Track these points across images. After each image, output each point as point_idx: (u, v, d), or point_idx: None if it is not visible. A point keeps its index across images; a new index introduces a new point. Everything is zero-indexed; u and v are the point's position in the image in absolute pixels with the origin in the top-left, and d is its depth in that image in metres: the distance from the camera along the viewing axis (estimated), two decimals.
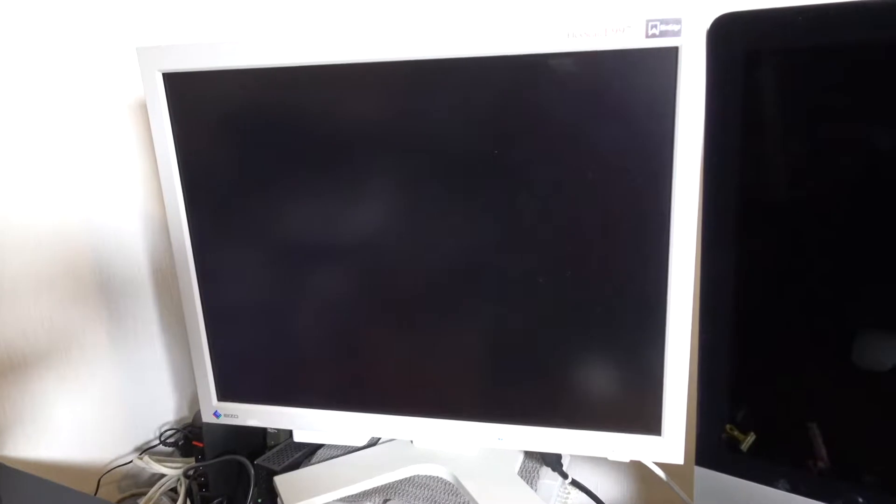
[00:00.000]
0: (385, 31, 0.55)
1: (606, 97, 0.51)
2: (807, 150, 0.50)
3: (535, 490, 0.68)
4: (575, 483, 0.71)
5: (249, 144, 0.64)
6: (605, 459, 0.85)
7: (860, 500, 0.55)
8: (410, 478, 0.72)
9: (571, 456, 0.80)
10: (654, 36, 0.48)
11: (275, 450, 0.82)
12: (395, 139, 0.60)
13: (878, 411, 0.54)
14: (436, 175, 0.60)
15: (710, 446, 0.62)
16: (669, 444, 0.59)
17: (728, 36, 0.48)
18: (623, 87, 0.50)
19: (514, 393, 0.64)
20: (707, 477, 0.62)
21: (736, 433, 0.61)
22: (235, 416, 0.77)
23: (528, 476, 0.71)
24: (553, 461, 0.70)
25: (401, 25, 0.80)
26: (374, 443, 0.80)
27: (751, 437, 0.61)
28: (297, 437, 0.79)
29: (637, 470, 0.85)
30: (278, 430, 0.85)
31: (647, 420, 0.59)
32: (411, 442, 0.77)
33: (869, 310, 0.54)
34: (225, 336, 0.72)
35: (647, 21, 0.48)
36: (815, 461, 0.57)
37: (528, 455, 0.75)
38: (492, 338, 0.63)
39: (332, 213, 0.65)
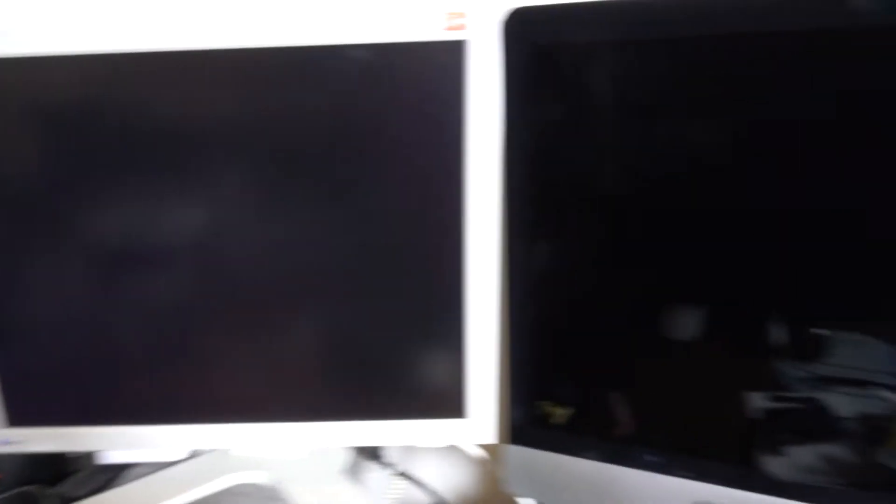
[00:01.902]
0: (164, 18, 0.52)
1: (400, 90, 0.52)
2: (596, 141, 0.53)
3: (363, 486, 0.68)
4: (402, 473, 0.72)
5: (49, 139, 0.58)
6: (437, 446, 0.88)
7: (656, 460, 0.61)
8: (230, 488, 0.69)
9: (405, 447, 0.81)
10: (443, 29, 0.49)
11: (79, 475, 0.74)
12: (192, 132, 0.56)
13: (679, 378, 0.61)
14: (239, 171, 0.58)
15: (522, 425, 0.65)
16: (477, 426, 0.62)
17: (519, 30, 0.50)
18: (415, 80, 0.51)
19: (325, 390, 0.63)
20: (519, 454, 0.66)
21: (550, 409, 0.65)
22: (26, 443, 0.69)
23: (354, 473, 0.70)
24: (376, 455, 0.70)
25: (176, 12, 0.76)
26: (194, 455, 0.76)
27: (564, 412, 0.65)
28: (103, 459, 0.72)
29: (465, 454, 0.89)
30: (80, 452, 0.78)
31: (453, 405, 0.61)
32: (229, 451, 0.74)
33: (671, 284, 0.58)
34: (15, 354, 0.64)
35: (437, 14, 0.49)
36: (621, 429, 0.62)
37: (354, 451, 0.75)
38: (298, 338, 0.62)
39: (137, 214, 0.60)
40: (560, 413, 0.64)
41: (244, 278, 0.60)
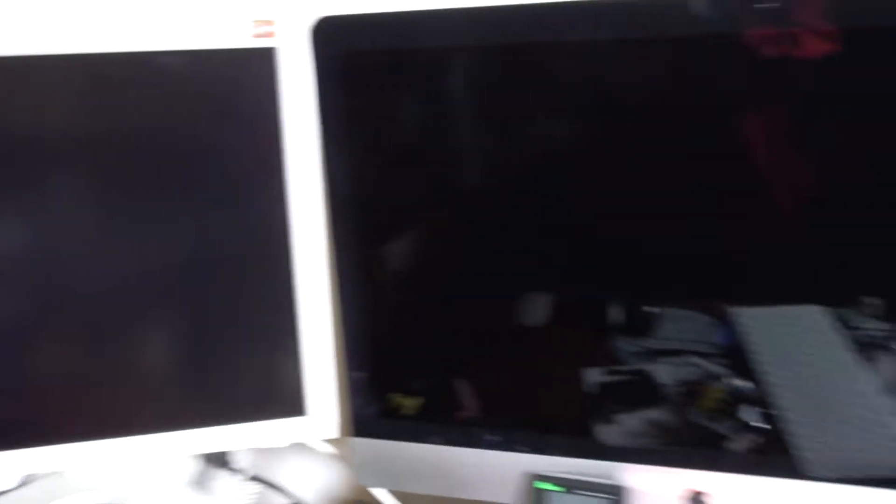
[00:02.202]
0: None
1: (213, 97, 0.52)
2: (405, 141, 0.57)
3: (213, 495, 0.67)
4: (254, 478, 0.72)
5: None
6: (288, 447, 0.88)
7: (496, 439, 0.65)
8: None
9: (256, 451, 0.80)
10: (253, 36, 0.50)
11: None
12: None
13: (521, 362, 0.64)
14: (57, 181, 0.55)
15: (370, 417, 0.67)
16: (319, 422, 0.64)
17: (326, 38, 0.52)
18: (228, 87, 0.51)
19: (164, 400, 0.62)
20: (367, 446, 0.68)
21: (400, 401, 0.68)
22: None
23: (203, 483, 0.70)
24: (224, 462, 0.70)
25: None
26: (25, 482, 0.71)
27: (413, 403, 0.68)
28: None
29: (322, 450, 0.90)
30: None
31: (293, 403, 0.62)
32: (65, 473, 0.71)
33: (511, 274, 0.62)
34: None
35: (246, 21, 0.50)
36: (465, 413, 0.66)
37: (201, 461, 0.74)
38: (134, 349, 0.60)
39: None
40: (410, 404, 0.67)
41: (73, 292, 0.58)
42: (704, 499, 0.58)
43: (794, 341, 0.57)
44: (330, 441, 0.74)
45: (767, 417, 0.58)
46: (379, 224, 0.60)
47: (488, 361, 0.63)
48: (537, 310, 0.61)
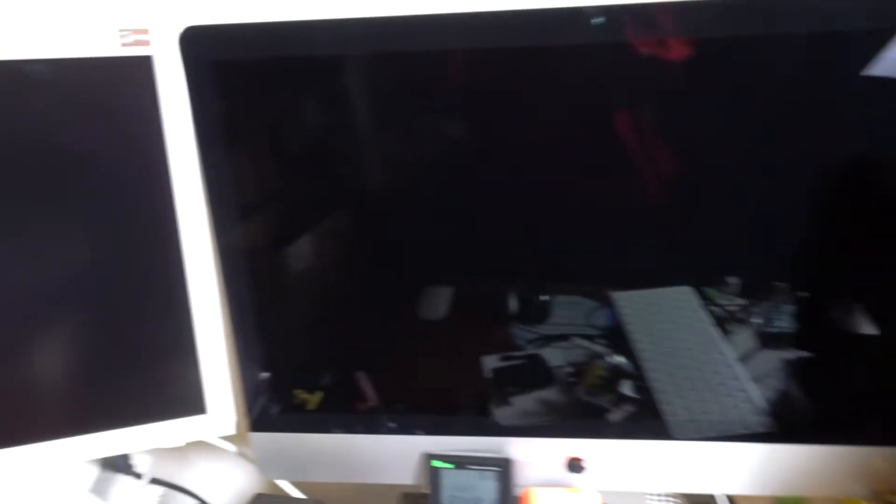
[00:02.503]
0: None
1: (92, 106, 0.52)
2: (278, 145, 0.58)
3: (114, 500, 0.67)
4: (155, 480, 0.72)
5: None
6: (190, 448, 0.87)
7: (397, 425, 0.68)
8: None
9: (154, 454, 0.80)
10: (127, 45, 0.51)
11: None
12: None
13: (424, 352, 0.67)
14: None
15: (273, 413, 0.69)
16: (218, 420, 0.65)
17: (196, 47, 0.53)
18: (106, 95, 0.52)
19: (61, 406, 0.61)
20: (269, 441, 0.69)
21: (304, 396, 0.70)
22: None
23: (103, 489, 0.69)
24: (122, 466, 0.69)
25: None
26: None
27: (315, 397, 0.70)
28: None
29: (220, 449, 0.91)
30: None
31: (192, 402, 0.63)
32: None
33: (414, 270, 0.64)
34: None
35: (120, 30, 0.51)
36: (366, 403, 0.68)
37: (100, 466, 0.73)
38: (30, 356, 0.59)
39: None
40: (312, 398, 0.69)
41: None
42: (581, 463, 0.64)
43: (665, 319, 0.63)
44: (231, 438, 0.75)
45: (641, 389, 0.64)
46: (263, 226, 0.62)
47: (388, 353, 0.66)
48: (435, 303, 0.65)
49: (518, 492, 0.66)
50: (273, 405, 0.67)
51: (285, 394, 0.67)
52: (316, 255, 0.63)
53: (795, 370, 0.61)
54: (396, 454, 0.68)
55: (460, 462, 0.64)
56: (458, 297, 0.63)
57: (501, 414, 0.66)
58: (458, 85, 0.55)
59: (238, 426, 0.67)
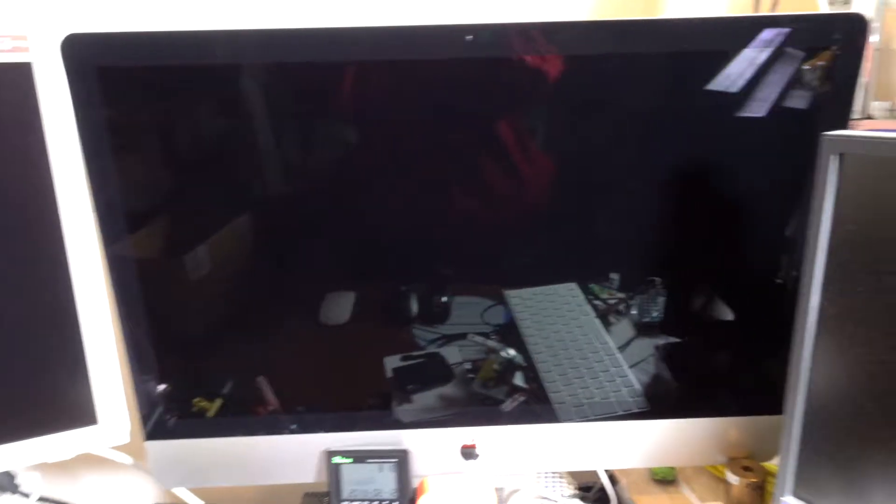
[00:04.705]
0: None
1: None
2: (163, 152, 0.58)
3: None
4: (43, 499, 0.70)
5: None
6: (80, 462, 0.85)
7: (296, 426, 0.69)
8: None
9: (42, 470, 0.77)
10: (5, 51, 0.50)
11: None
12: None
13: (327, 354, 0.68)
14: None
15: (170, 422, 0.68)
16: (110, 430, 0.63)
17: (77, 54, 0.53)
18: None
19: None
20: (165, 449, 0.68)
21: (203, 404, 0.69)
22: None
23: None
24: (6, 484, 0.67)
25: None
26: None
27: (215, 404, 0.69)
28: None
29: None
30: None
31: (81, 413, 0.61)
32: None
33: (315, 277, 0.65)
34: None
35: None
36: (266, 408, 0.69)
37: None
38: None
39: None
40: (212, 406, 0.68)
41: None
42: (474, 451, 0.68)
43: (555, 314, 0.68)
44: (127, 450, 0.74)
45: (532, 379, 0.69)
46: (156, 235, 0.62)
47: (290, 359, 0.67)
48: (337, 308, 0.66)
49: (416, 482, 0.69)
50: (170, 415, 0.67)
51: (183, 402, 0.67)
52: (214, 262, 0.63)
53: (665, 354, 0.68)
54: (297, 453, 0.69)
55: (360, 456, 0.66)
56: (360, 302, 0.65)
57: (402, 410, 0.69)
58: (349, 95, 0.57)
59: (132, 435, 0.65)
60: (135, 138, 0.57)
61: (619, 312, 0.68)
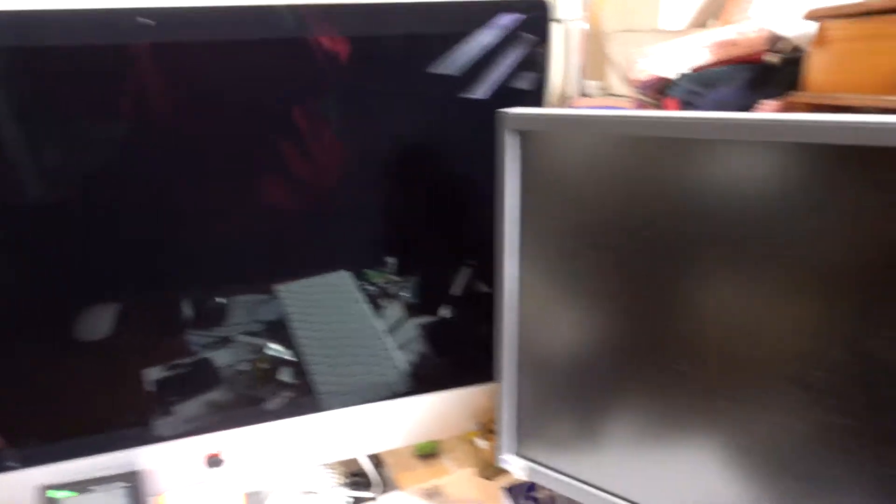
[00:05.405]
0: None
1: None
2: None
3: None
4: None
5: None
6: None
7: (14, 462, 0.60)
8: None
9: None
10: None
11: None
12: None
13: (66, 379, 0.60)
14: None
15: None
16: None
17: None
18: None
19: None
20: None
21: None
22: None
23: None
24: None
25: None
26: None
27: None
28: None
29: None
30: None
31: None
32: None
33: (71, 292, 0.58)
34: None
35: None
36: None
37: None
38: None
39: None
40: None
41: None
42: (219, 457, 0.65)
43: (325, 304, 0.66)
44: None
45: (299, 373, 0.66)
46: None
47: (26, 387, 0.59)
48: (95, 322, 0.59)
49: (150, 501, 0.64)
50: None
51: None
52: None
53: (425, 332, 0.69)
54: (11, 494, 0.61)
55: (81, 486, 0.60)
56: (123, 312, 0.59)
57: (161, 424, 0.64)
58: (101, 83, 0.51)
59: None
60: None
61: (391, 296, 0.68)
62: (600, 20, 0.85)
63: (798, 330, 0.40)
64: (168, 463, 0.64)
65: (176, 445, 0.64)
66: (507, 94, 0.61)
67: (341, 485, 0.74)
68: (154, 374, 0.63)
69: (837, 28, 0.52)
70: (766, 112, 0.56)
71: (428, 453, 0.77)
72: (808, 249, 0.39)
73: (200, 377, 0.65)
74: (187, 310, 0.62)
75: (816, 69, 0.54)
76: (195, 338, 0.63)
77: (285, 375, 0.67)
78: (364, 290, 0.67)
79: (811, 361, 0.40)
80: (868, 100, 0.50)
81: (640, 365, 0.48)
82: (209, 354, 0.64)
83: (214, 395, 0.66)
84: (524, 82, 0.62)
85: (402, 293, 0.68)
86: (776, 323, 0.41)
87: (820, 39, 0.53)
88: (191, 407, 0.65)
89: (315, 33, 0.54)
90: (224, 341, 0.65)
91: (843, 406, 0.40)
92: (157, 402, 0.63)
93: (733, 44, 0.60)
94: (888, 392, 0.38)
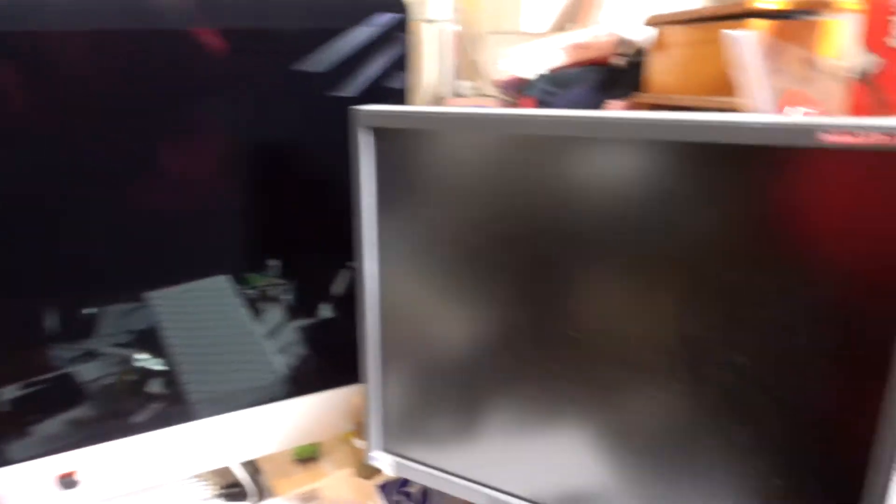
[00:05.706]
0: None
1: None
2: None
3: None
4: None
5: None
6: None
7: None
8: None
9: None
10: None
11: None
12: None
13: None
14: None
15: None
16: None
17: None
18: None
19: None
20: None
21: None
22: None
23: None
24: None
25: None
26: None
27: None
28: None
29: None
30: None
31: None
32: None
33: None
34: None
35: None
36: None
37: None
38: None
39: None
40: None
41: None
42: (73, 478, 0.61)
43: (201, 310, 0.63)
44: None
45: (169, 383, 0.63)
46: None
47: None
48: None
49: None
50: None
51: None
52: None
53: (305, 335, 0.68)
54: None
55: None
56: None
57: (11, 447, 0.59)
58: None
59: None
60: None
61: (271, 300, 0.66)
62: (473, 22, 0.87)
63: (644, 316, 0.43)
64: (15, 487, 0.59)
65: (25, 468, 0.59)
66: (376, 93, 0.62)
67: (215, 496, 0.71)
68: (9, 392, 0.58)
69: (673, 34, 0.56)
70: (612, 111, 0.59)
71: (308, 457, 0.76)
72: (656, 239, 0.41)
73: (58, 393, 0.61)
74: (49, 320, 0.58)
75: (656, 71, 0.57)
76: (56, 351, 0.59)
77: (154, 386, 0.64)
78: (243, 294, 0.65)
79: (649, 345, 0.43)
80: (699, 100, 0.54)
81: (501, 358, 0.50)
82: (71, 369, 0.60)
83: (74, 412, 0.62)
84: (392, 81, 0.62)
85: (282, 296, 0.67)
86: (631, 312, 0.44)
87: (659, 44, 0.57)
88: (46, 426, 0.61)
89: (186, 25, 0.52)
90: (89, 354, 0.61)
91: (680, 387, 0.43)
92: (6, 423, 0.59)
93: (586, 47, 0.63)
94: (708, 370, 0.42)
